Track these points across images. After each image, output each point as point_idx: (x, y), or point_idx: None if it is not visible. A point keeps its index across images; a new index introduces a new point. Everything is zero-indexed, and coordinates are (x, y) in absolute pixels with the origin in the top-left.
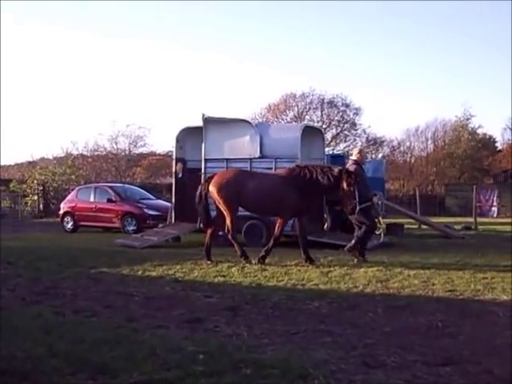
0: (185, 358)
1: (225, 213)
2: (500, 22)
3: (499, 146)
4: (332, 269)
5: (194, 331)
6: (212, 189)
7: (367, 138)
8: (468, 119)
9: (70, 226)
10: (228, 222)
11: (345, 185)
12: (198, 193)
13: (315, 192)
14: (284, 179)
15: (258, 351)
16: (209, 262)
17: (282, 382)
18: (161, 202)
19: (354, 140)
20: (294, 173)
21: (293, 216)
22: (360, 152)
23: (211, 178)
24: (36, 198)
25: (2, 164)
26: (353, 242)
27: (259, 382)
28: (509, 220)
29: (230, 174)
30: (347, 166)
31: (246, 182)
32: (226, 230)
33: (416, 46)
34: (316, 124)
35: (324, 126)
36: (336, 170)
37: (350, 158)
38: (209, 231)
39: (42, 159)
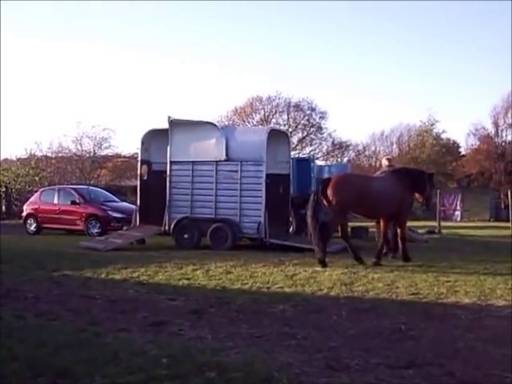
0: (148, 361)
1: (336, 216)
2: (465, 25)
3: (463, 151)
4: (297, 272)
5: (158, 334)
6: (331, 192)
7: (333, 141)
8: (432, 124)
9: (33, 228)
10: (340, 225)
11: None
12: (311, 202)
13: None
14: (399, 181)
15: (222, 354)
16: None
17: None
18: (125, 204)
19: (320, 144)
20: (402, 174)
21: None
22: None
23: (328, 181)
24: None
25: None
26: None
27: None
28: (472, 224)
29: (351, 177)
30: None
31: (368, 186)
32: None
33: (382, 51)
34: (282, 127)
35: (290, 130)
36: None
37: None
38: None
39: (5, 160)
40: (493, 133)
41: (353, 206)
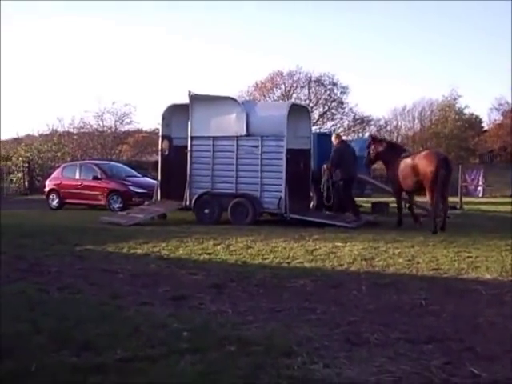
0: (169, 335)
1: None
2: (487, 2)
3: (485, 126)
4: (317, 247)
5: (179, 308)
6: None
7: (354, 116)
8: (455, 99)
9: (55, 203)
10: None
11: None
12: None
13: None
14: None
15: (243, 328)
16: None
17: (266, 359)
18: (147, 179)
19: (341, 119)
20: None
21: None
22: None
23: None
24: (21, 175)
25: None
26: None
27: (243, 359)
28: (494, 200)
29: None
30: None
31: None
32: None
33: (404, 26)
34: (303, 102)
35: (311, 105)
36: None
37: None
38: None
39: (28, 136)
40: None
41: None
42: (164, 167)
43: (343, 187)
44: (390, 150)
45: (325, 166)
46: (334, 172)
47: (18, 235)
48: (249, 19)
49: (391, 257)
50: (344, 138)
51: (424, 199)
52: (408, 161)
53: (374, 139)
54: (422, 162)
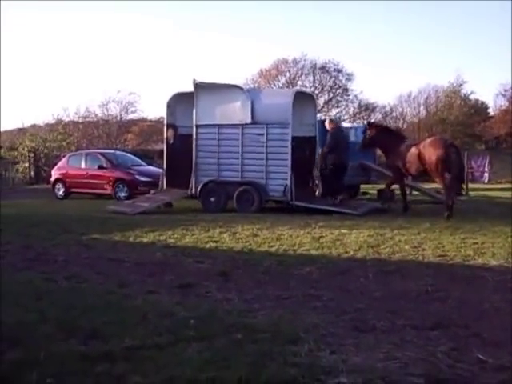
0: (176, 323)
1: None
2: None
3: (491, 112)
4: (323, 234)
5: (186, 296)
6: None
7: (359, 103)
8: (460, 85)
9: (61, 192)
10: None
11: None
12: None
13: None
14: None
15: (249, 316)
16: None
17: (273, 346)
18: (152, 168)
19: (347, 106)
20: None
21: None
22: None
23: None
24: (27, 164)
25: None
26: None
27: (250, 346)
28: (500, 186)
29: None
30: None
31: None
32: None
33: (409, 12)
34: (308, 90)
35: (316, 92)
36: None
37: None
38: None
39: (33, 126)
40: None
41: None
42: (169, 156)
43: (334, 172)
44: (390, 137)
45: (319, 150)
46: (326, 157)
47: (24, 225)
48: (254, 6)
49: (397, 244)
50: (349, 124)
51: (432, 186)
52: (414, 148)
53: (370, 125)
54: (429, 149)
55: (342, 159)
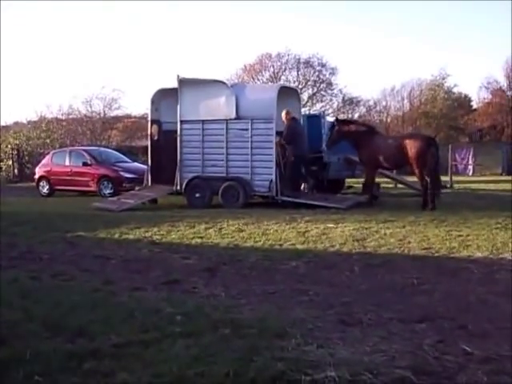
0: (162, 319)
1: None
2: None
3: (475, 104)
4: (309, 229)
5: (172, 293)
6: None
7: (343, 97)
8: (444, 78)
9: (45, 190)
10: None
11: None
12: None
13: None
14: None
15: (236, 311)
16: None
17: (260, 341)
18: (137, 164)
19: (331, 100)
20: None
21: None
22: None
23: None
24: (10, 162)
25: None
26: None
27: (237, 342)
28: (484, 178)
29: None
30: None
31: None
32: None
33: (392, 6)
34: (292, 84)
35: (300, 86)
36: None
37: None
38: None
39: (16, 123)
40: (505, 86)
41: None
42: (154, 152)
43: (295, 163)
44: (359, 130)
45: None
46: (286, 148)
47: (9, 223)
48: (237, 1)
49: (383, 237)
50: (333, 119)
51: (413, 178)
52: (392, 141)
53: (338, 121)
54: (409, 142)
55: (300, 150)
